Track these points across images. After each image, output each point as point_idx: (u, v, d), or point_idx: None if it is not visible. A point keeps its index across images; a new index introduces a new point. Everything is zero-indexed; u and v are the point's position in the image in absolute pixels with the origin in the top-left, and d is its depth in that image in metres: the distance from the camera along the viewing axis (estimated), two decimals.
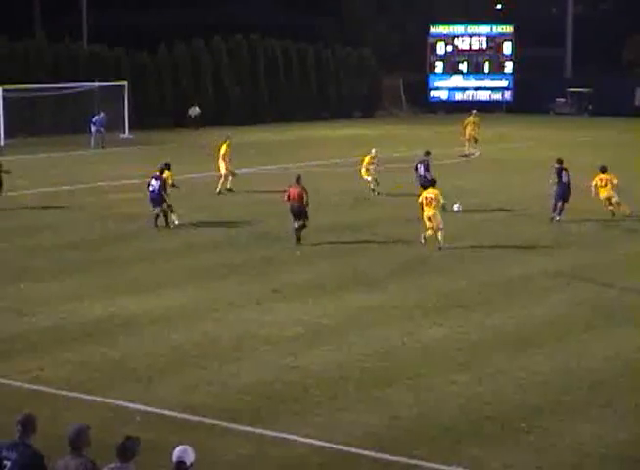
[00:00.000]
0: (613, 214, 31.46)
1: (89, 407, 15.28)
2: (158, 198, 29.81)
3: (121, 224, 30.84)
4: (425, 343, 18.68)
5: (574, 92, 79.39)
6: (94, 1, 71.19)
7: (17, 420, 10.27)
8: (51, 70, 61.26)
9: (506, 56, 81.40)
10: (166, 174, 30.44)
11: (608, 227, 30.66)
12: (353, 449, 13.75)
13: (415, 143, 51.29)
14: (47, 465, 10.11)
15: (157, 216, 29.89)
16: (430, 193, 27.40)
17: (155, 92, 66.47)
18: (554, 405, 15.48)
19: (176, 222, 30.10)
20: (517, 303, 21.68)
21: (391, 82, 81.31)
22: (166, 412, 15.09)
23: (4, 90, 54.89)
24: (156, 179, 30.03)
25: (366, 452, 13.67)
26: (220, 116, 67.51)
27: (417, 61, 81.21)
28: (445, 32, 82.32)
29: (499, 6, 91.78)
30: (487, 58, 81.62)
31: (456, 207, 32.16)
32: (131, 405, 15.33)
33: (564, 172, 31.34)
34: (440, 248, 26.85)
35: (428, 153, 34.92)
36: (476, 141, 50.79)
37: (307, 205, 27.39)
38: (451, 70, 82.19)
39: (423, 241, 27.20)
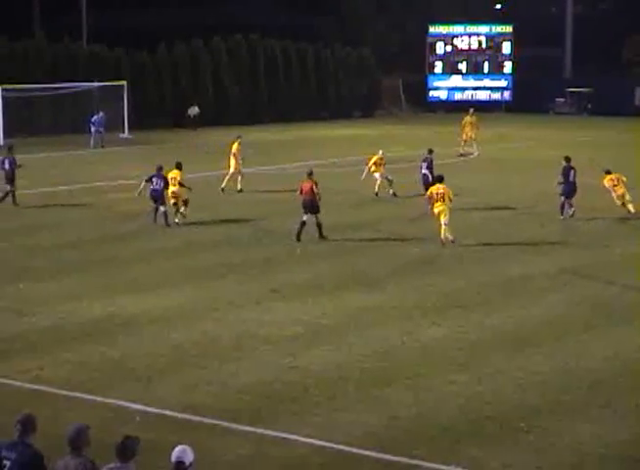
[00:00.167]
0: (629, 211, 31.54)
1: (89, 407, 15.29)
2: (159, 196, 30.12)
3: (121, 224, 30.85)
4: (424, 343, 18.68)
5: (574, 92, 79.40)
6: (93, 1, 71.17)
7: (17, 420, 10.28)
8: (50, 70, 61.26)
9: (505, 56, 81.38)
10: (176, 173, 30.72)
11: (609, 227, 30.67)
12: (354, 450, 13.75)
13: (415, 143, 51.32)
14: (47, 465, 10.12)
15: (163, 214, 30.11)
16: (439, 189, 27.63)
17: (154, 92, 66.48)
18: (553, 405, 15.48)
19: (177, 221, 30.34)
20: (516, 302, 21.68)
21: (391, 82, 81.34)
22: (166, 412, 15.09)
23: (3, 90, 54.90)
24: (157, 178, 30.27)
25: (366, 452, 13.68)
26: (220, 115, 67.52)
27: (416, 61, 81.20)
28: (445, 32, 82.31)
29: (498, 6, 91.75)
30: (487, 58, 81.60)
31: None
32: (131, 405, 15.33)
33: (571, 171, 31.39)
34: (445, 243, 27.09)
35: (431, 151, 34.98)
36: (474, 140, 50.79)
37: (319, 198, 27.78)
38: (450, 69, 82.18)
39: (445, 239, 27.30)
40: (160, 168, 30.73)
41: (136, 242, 28.30)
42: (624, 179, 31.88)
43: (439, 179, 28.42)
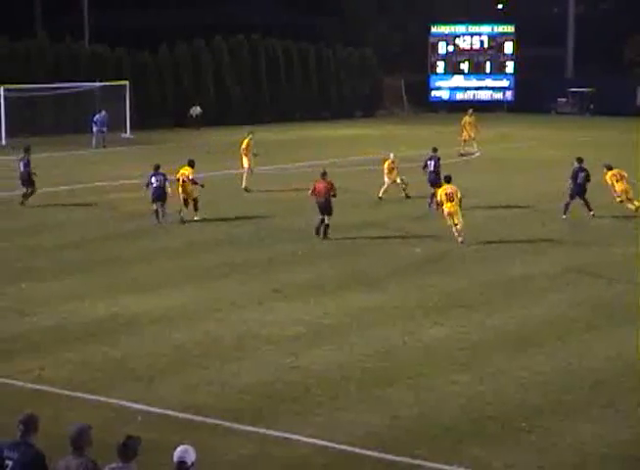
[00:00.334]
0: (635, 208, 31.58)
1: (90, 407, 15.29)
2: (161, 194, 30.29)
3: (123, 224, 30.87)
4: (426, 343, 18.68)
5: (576, 92, 79.35)
6: (95, 1, 71.20)
7: (19, 420, 10.29)
8: (52, 70, 61.26)
9: (507, 56, 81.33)
10: (188, 171, 30.93)
11: (611, 226, 30.64)
12: (356, 449, 13.75)
13: (416, 143, 51.30)
14: (48, 465, 10.12)
15: (162, 212, 30.35)
16: (448, 189, 27.85)
17: (156, 92, 66.49)
18: (555, 405, 15.48)
19: (196, 218, 30.79)
20: (518, 302, 21.68)
21: (393, 82, 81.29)
22: (168, 412, 15.10)
23: (5, 90, 54.93)
24: (156, 176, 30.48)
25: (368, 452, 13.68)
26: (221, 115, 67.53)
27: (418, 61, 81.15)
28: (446, 32, 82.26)
29: (500, 6, 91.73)
30: (489, 58, 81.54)
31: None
32: (133, 405, 15.34)
33: (581, 173, 31.34)
34: (463, 242, 27.42)
35: (435, 149, 34.64)
36: (473, 140, 50.77)
37: (334, 196, 28.06)
38: (452, 69, 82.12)
39: (460, 239, 27.57)
40: (157, 167, 30.92)
41: (138, 242, 28.31)
42: (626, 175, 31.96)
43: (448, 179, 28.53)
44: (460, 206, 27.81)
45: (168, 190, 30.47)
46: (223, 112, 68.22)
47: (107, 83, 59.77)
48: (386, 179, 35.29)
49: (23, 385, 16.30)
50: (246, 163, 37.65)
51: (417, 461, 13.40)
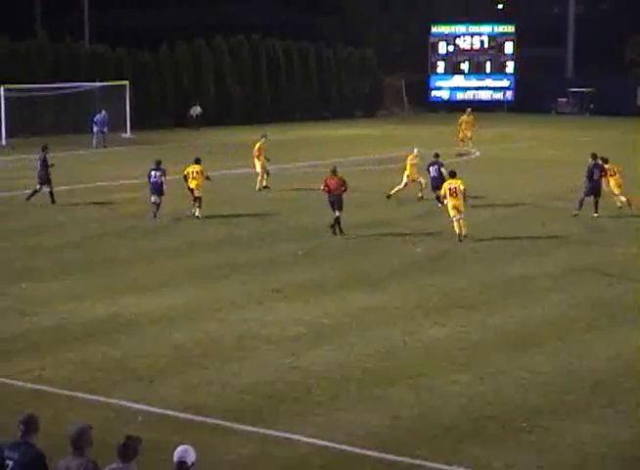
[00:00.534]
0: (629, 204, 31.67)
1: (91, 407, 15.29)
2: (159, 188, 31.04)
3: (123, 224, 30.89)
4: (426, 343, 18.68)
5: (576, 92, 79.38)
6: (95, 1, 71.23)
7: (19, 420, 10.28)
8: (52, 70, 61.30)
9: (507, 56, 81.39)
10: (197, 167, 31.67)
11: (611, 226, 30.64)
12: (356, 449, 13.75)
13: (416, 143, 51.25)
14: (49, 465, 10.12)
15: (157, 206, 31.12)
16: (452, 183, 28.15)
17: (156, 92, 66.52)
18: (556, 405, 15.47)
19: (198, 215, 31.37)
20: (518, 302, 21.67)
21: (393, 82, 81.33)
22: (168, 412, 15.09)
23: (5, 90, 54.96)
24: (156, 170, 31.22)
25: (368, 452, 13.67)
26: (222, 115, 67.57)
27: (418, 61, 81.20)
28: (447, 32, 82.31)
29: (500, 6, 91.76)
30: (489, 58, 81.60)
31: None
32: (133, 405, 15.33)
33: (596, 170, 31.35)
34: (462, 239, 27.70)
35: (437, 155, 34.11)
36: (470, 139, 50.75)
37: (345, 190, 28.43)
38: (453, 69, 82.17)
39: (461, 233, 27.87)
40: (158, 162, 31.68)
41: (138, 242, 28.31)
42: (620, 169, 32.10)
43: (452, 175, 28.74)
44: (465, 200, 28.06)
45: (165, 187, 31.26)
46: (223, 112, 68.25)
47: (107, 83, 59.79)
48: (404, 179, 34.78)
49: (23, 385, 16.29)
50: (258, 166, 37.71)
51: (417, 461, 13.40)
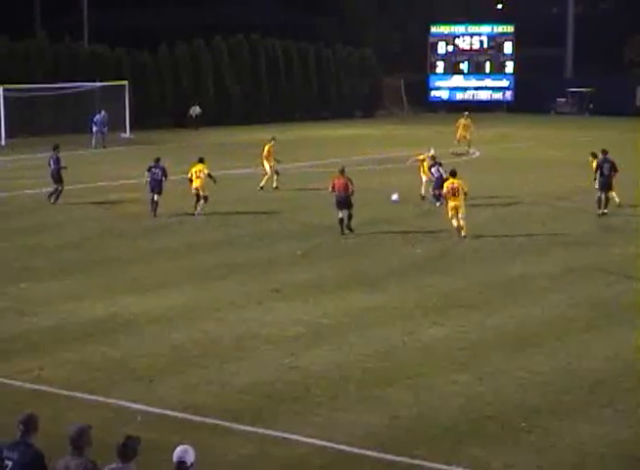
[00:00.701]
0: (619, 204, 31.80)
1: (90, 407, 15.29)
2: (158, 185, 31.37)
3: (122, 224, 30.89)
4: (425, 343, 18.68)
5: (575, 92, 79.42)
6: (95, 1, 71.21)
7: (19, 420, 10.28)
8: (51, 70, 61.30)
9: (507, 56, 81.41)
10: (201, 167, 32.00)
11: (610, 226, 30.66)
12: (355, 449, 13.75)
13: (416, 143, 51.28)
14: (48, 465, 10.11)
15: (155, 203, 31.38)
16: (454, 183, 28.27)
17: (155, 92, 66.53)
18: (554, 405, 15.48)
19: (198, 211, 31.67)
20: (517, 302, 21.67)
21: (392, 82, 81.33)
22: (167, 412, 15.09)
23: (4, 90, 54.95)
24: (155, 168, 31.60)
25: (368, 452, 13.67)
26: (221, 115, 67.59)
27: (418, 60, 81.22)
28: (446, 32, 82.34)
29: (500, 6, 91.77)
30: (488, 58, 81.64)
31: (394, 197, 33.54)
32: (132, 405, 15.33)
33: (605, 164, 31.48)
34: (460, 235, 27.93)
35: (434, 157, 34.17)
36: (467, 141, 50.75)
37: (353, 193, 28.68)
38: (452, 69, 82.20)
39: (458, 234, 28.10)
40: (157, 160, 32.03)
41: (138, 242, 28.32)
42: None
43: (453, 174, 28.85)
44: (465, 200, 28.21)
45: (164, 184, 31.60)
46: (223, 112, 68.26)
47: (106, 83, 59.81)
48: (423, 178, 34.96)
49: (22, 385, 16.29)
50: (267, 167, 37.91)
51: (416, 461, 13.40)
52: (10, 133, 54.72)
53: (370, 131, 64.83)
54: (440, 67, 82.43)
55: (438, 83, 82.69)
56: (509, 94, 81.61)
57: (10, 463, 10.06)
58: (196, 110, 65.81)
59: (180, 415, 14.96)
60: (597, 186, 31.73)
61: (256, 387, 16.20)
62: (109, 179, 40.62)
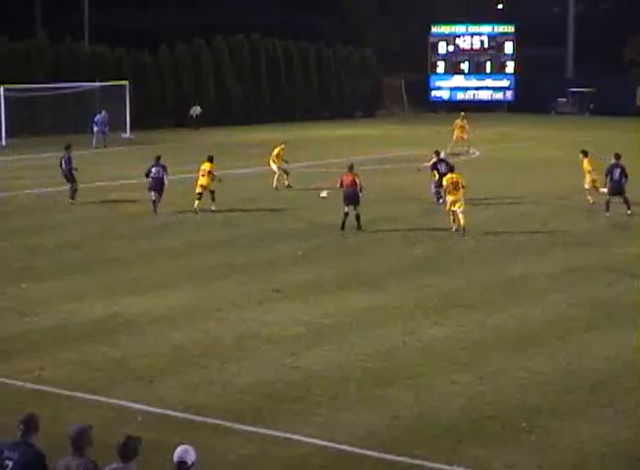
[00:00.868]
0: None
1: (90, 407, 15.28)
2: (158, 184, 31.67)
3: (122, 224, 30.90)
4: (426, 342, 18.68)
5: (576, 92, 79.40)
6: (95, 1, 71.22)
7: (19, 419, 10.27)
8: (52, 70, 61.30)
9: (507, 55, 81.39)
10: (209, 166, 32.50)
11: (611, 226, 30.65)
12: (355, 449, 13.75)
13: (416, 143, 51.32)
14: (49, 465, 10.11)
15: (156, 201, 31.77)
16: (453, 177, 28.74)
17: (156, 92, 66.53)
18: (555, 405, 15.48)
19: (213, 208, 32.36)
20: (518, 302, 21.67)
21: (393, 82, 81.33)
22: (168, 412, 15.09)
23: (5, 90, 54.96)
24: (156, 166, 31.88)
25: (368, 452, 13.67)
26: (221, 115, 67.59)
27: (418, 60, 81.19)
28: (447, 32, 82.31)
29: (500, 6, 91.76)
30: (489, 57, 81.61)
31: (323, 193, 33.88)
32: (133, 405, 15.33)
33: (616, 169, 31.22)
34: (459, 231, 28.23)
35: (438, 153, 34.08)
36: (464, 141, 50.74)
37: (361, 190, 29.13)
38: (452, 69, 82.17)
39: (454, 230, 28.50)
40: (157, 158, 32.29)
41: (138, 242, 28.31)
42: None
43: (451, 169, 29.64)
44: (463, 191, 28.54)
45: (166, 182, 31.85)
46: (223, 112, 68.26)
47: (107, 83, 59.81)
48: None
49: (23, 385, 16.29)
50: (275, 168, 38.18)
51: (417, 461, 13.40)
52: (10, 133, 54.71)
53: (370, 131, 64.83)
54: (441, 67, 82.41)
55: (439, 83, 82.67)
56: (509, 94, 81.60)
57: (10, 463, 10.06)
58: (196, 110, 65.81)
59: (181, 415, 14.96)
60: (607, 190, 31.55)
61: (257, 387, 16.20)
62: (109, 179, 40.62)
